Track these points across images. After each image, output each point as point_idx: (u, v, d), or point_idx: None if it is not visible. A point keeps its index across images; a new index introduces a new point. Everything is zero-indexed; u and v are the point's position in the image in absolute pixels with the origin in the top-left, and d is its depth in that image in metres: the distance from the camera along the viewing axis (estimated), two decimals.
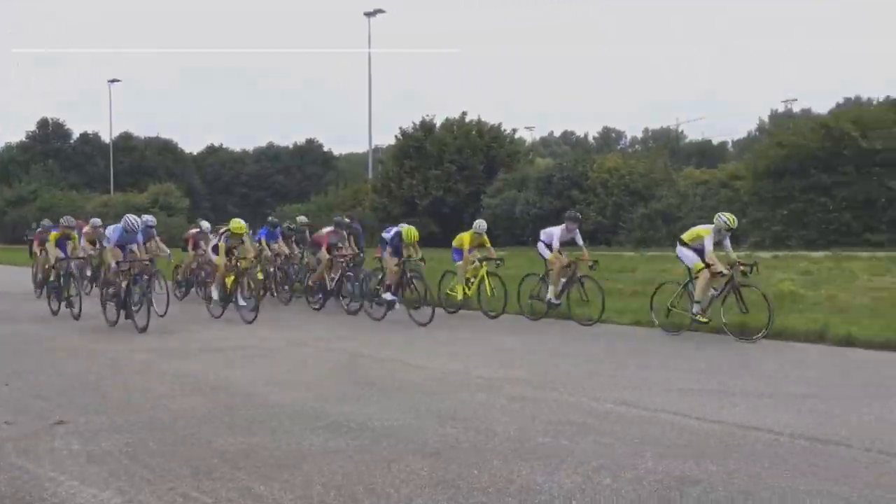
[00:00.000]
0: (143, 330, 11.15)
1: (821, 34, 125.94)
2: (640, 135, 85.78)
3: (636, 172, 33.82)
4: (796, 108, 51.10)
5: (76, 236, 14.15)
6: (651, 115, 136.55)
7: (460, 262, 13.34)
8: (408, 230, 12.83)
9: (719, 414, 6.15)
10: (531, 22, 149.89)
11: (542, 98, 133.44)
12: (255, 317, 12.16)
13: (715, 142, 69.42)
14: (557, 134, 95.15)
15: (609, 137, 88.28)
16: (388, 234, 13.19)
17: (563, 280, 12.30)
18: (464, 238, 13.49)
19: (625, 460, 4.96)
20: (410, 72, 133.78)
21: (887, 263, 15.39)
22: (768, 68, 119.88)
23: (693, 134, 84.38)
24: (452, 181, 40.12)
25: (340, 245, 14.67)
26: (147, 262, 12.13)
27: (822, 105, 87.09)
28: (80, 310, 13.05)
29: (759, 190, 29.02)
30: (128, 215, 12.19)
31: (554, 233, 12.41)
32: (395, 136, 45.02)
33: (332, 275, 14.24)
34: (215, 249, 13.43)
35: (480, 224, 13.64)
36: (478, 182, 39.79)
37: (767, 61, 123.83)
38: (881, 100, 32.03)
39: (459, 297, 13.24)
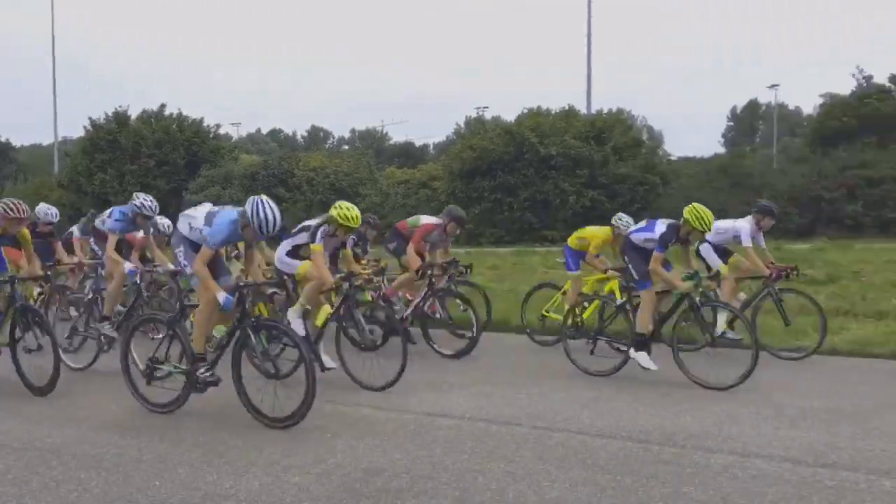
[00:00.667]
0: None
1: (510, 49, 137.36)
2: (347, 135, 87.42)
3: (341, 171, 34.46)
4: (488, 115, 54.97)
5: (28, 235, 7.60)
6: (358, 116, 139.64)
7: (577, 273, 9.22)
8: (694, 210, 7.10)
9: (409, 404, 6.44)
10: (244, 17, 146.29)
11: (251, 95, 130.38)
12: (400, 375, 6.95)
13: (417, 143, 72.64)
14: (265, 131, 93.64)
15: (317, 136, 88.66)
16: (648, 233, 7.53)
17: (743, 296, 8.72)
18: (592, 236, 9.10)
19: (315, 457, 5.01)
20: (103, 58, 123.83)
21: (560, 257, 17.26)
22: (466, 76, 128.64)
23: (397, 136, 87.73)
24: (151, 177, 37.85)
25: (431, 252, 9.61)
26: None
27: (510, 113, 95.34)
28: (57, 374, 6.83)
29: (454, 190, 30.97)
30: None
31: (741, 228, 8.54)
32: (85, 128, 41.49)
33: (410, 296, 9.48)
34: (292, 254, 7.88)
35: (624, 218, 8.92)
36: (179, 178, 37.98)
37: (465, 70, 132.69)
38: (557, 111, 35.56)
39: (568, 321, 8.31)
